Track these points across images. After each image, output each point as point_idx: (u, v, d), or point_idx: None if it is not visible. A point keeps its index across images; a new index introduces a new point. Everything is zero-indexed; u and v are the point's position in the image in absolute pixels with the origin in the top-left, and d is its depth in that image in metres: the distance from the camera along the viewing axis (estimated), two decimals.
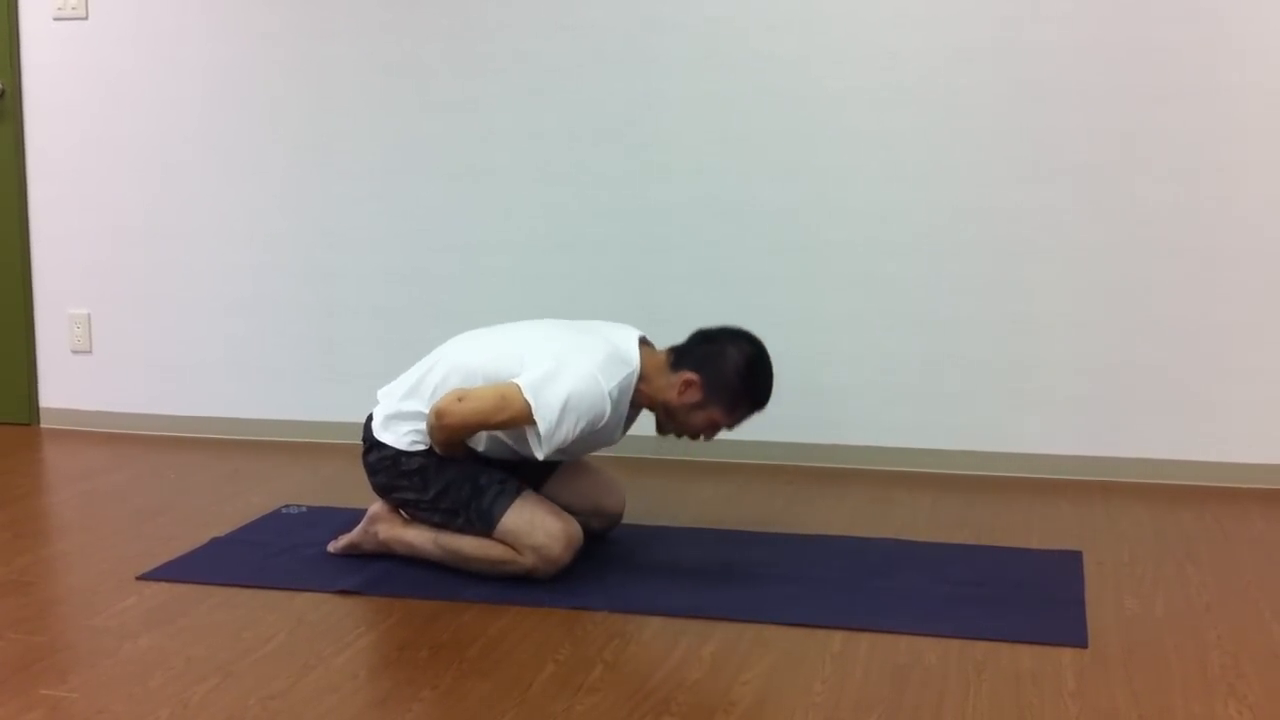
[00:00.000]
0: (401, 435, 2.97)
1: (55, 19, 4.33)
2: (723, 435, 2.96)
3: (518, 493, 2.89)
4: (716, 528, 3.35)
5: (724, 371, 2.88)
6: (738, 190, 3.91)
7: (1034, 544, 3.19)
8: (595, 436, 2.88)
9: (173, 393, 4.41)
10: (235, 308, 4.32)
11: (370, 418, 3.04)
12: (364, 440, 3.05)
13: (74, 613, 2.84)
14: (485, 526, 2.88)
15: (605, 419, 2.80)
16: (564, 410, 2.74)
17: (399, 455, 2.96)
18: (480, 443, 2.93)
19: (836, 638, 2.59)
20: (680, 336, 3.95)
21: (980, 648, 2.53)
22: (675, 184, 3.95)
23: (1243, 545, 3.18)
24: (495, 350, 2.94)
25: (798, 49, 3.82)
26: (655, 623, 2.69)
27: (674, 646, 2.57)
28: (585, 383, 2.77)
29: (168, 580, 2.96)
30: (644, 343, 2.97)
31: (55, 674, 2.46)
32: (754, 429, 3.91)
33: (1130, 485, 3.69)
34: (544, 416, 2.74)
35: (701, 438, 2.96)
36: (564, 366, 2.79)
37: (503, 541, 2.87)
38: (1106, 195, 3.68)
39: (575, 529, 2.90)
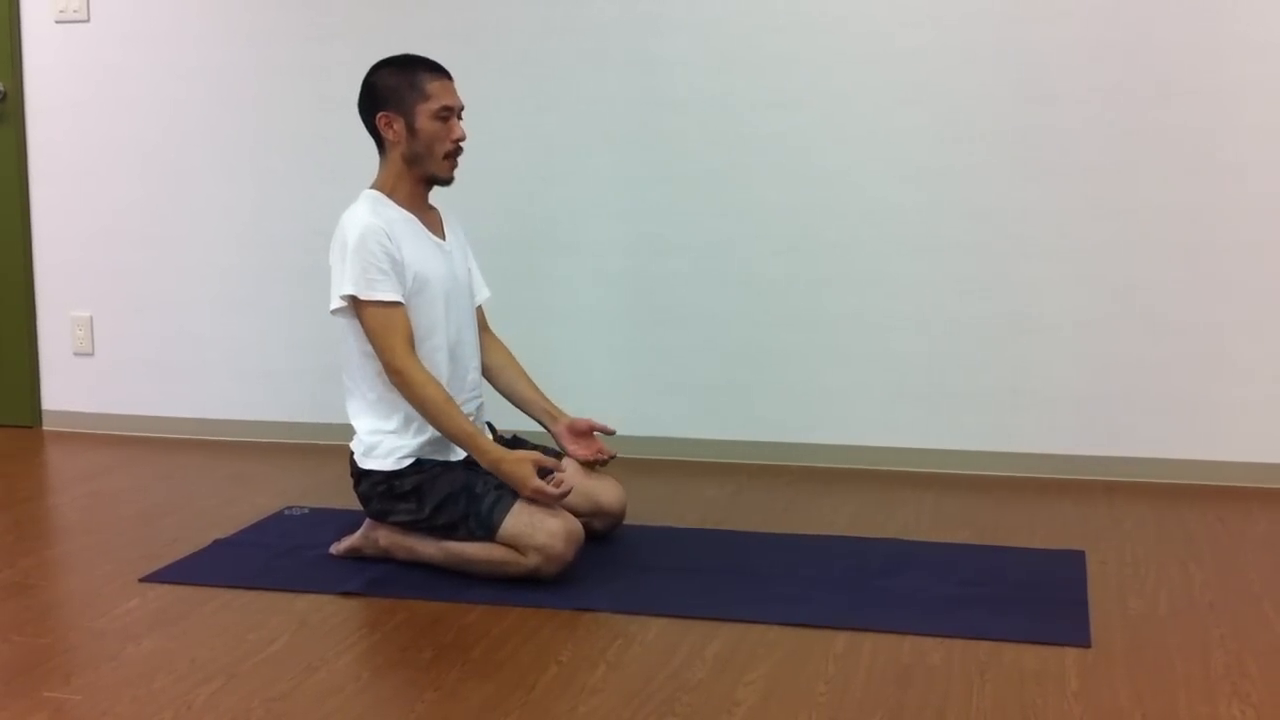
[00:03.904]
0: (385, 456, 2.97)
1: (57, 21, 4.34)
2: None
3: (515, 496, 2.89)
4: (719, 528, 3.35)
5: (383, 89, 3.01)
6: (741, 191, 3.91)
7: (1037, 544, 3.19)
8: (434, 252, 3.04)
9: (175, 395, 4.41)
10: (237, 309, 4.32)
11: (352, 452, 3.04)
12: (352, 475, 3.05)
13: (77, 615, 2.84)
14: (486, 534, 2.87)
15: (392, 225, 2.95)
16: (359, 255, 2.90)
17: (390, 478, 2.96)
18: (434, 352, 3.01)
19: (840, 638, 2.59)
20: (686, 337, 3.98)
21: (983, 648, 2.53)
22: (678, 185, 3.95)
23: (1246, 544, 3.18)
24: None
25: (802, 50, 3.82)
26: (658, 623, 2.69)
27: (677, 647, 2.56)
28: (353, 230, 2.93)
29: (171, 582, 2.97)
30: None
31: (59, 676, 2.47)
32: (756, 429, 3.95)
33: (1133, 484, 3.69)
34: (353, 280, 2.90)
35: (457, 138, 3.02)
36: (343, 251, 2.94)
37: (505, 545, 2.87)
38: (1110, 194, 3.68)
39: (576, 526, 2.90)
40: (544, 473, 2.89)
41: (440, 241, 3.10)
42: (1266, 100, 3.55)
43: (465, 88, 3.11)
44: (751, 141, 3.88)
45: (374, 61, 3.07)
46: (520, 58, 4.01)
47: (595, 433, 3.16)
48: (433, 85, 3.01)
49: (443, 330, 3.03)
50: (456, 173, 3.07)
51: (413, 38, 4.01)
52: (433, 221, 3.12)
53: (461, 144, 3.04)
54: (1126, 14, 3.61)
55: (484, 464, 2.91)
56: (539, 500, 2.86)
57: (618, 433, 3.17)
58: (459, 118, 3.05)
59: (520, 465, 2.88)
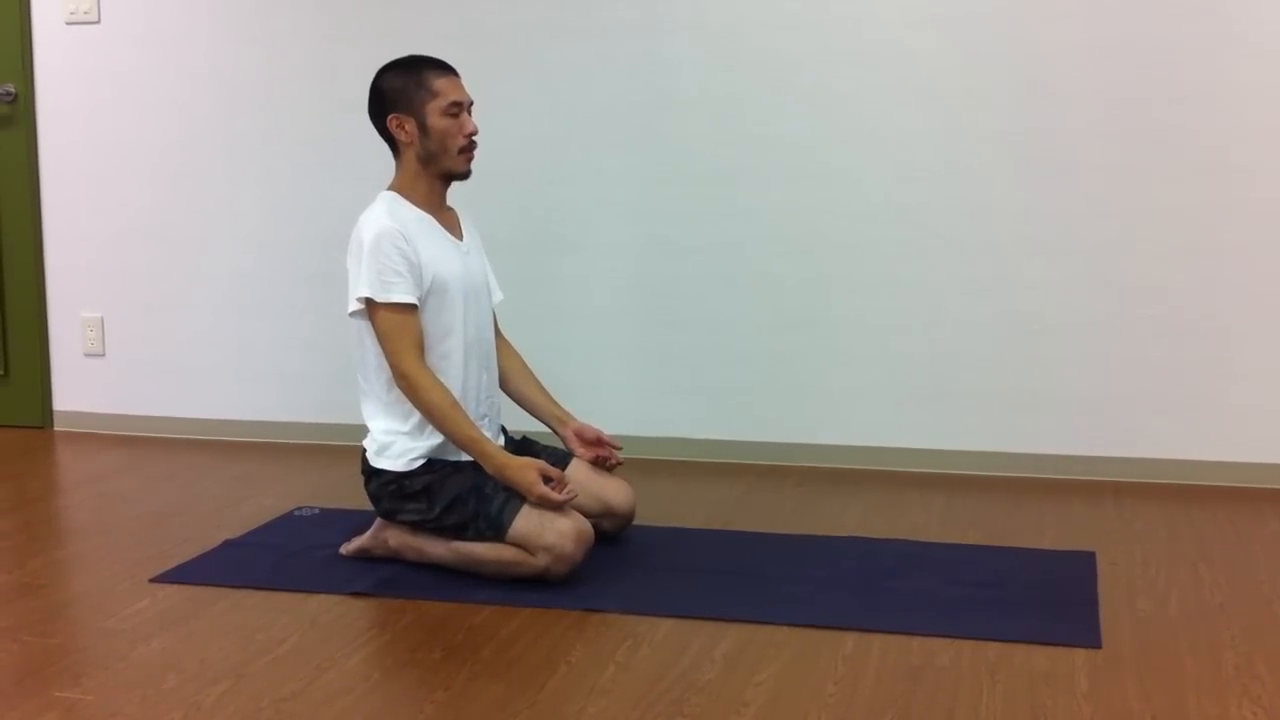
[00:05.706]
0: (398, 456, 2.98)
1: (67, 23, 4.35)
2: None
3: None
4: (728, 529, 3.34)
5: (391, 91, 3.03)
6: (749, 192, 3.91)
7: (1046, 545, 3.19)
8: (451, 253, 3.04)
9: (186, 395, 4.42)
10: (248, 311, 4.33)
11: (364, 450, 3.05)
12: (363, 474, 3.06)
13: (87, 615, 2.85)
14: (496, 534, 2.88)
15: (407, 225, 2.96)
16: (374, 258, 2.90)
17: (401, 478, 2.97)
18: (451, 353, 3.01)
19: (849, 639, 2.59)
20: (694, 338, 3.98)
21: (993, 649, 2.53)
22: (687, 186, 3.95)
23: (1256, 545, 3.18)
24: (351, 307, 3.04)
25: (809, 51, 3.82)
26: (667, 624, 2.69)
27: (686, 648, 2.57)
28: (368, 232, 2.94)
29: (181, 583, 2.98)
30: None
31: (69, 676, 2.47)
32: (765, 430, 3.95)
33: (1143, 485, 3.68)
34: (369, 282, 2.91)
35: (469, 132, 3.03)
36: (359, 253, 2.95)
37: (515, 545, 2.88)
38: (1118, 195, 3.67)
39: (586, 526, 2.90)
40: (548, 479, 2.90)
41: (458, 242, 3.11)
42: (1272, 102, 3.54)
43: (476, 90, 3.13)
44: (759, 143, 3.88)
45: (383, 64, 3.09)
46: (529, 60, 4.02)
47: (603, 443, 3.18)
48: (440, 82, 3.02)
49: (460, 331, 3.04)
50: (472, 165, 3.08)
51: (424, 40, 4.01)
52: (450, 222, 3.12)
53: (474, 138, 3.04)
54: (1131, 16, 3.60)
55: (488, 469, 2.91)
56: (544, 506, 2.86)
57: (627, 433, 3.18)
58: (469, 112, 3.05)
59: (525, 471, 2.88)
